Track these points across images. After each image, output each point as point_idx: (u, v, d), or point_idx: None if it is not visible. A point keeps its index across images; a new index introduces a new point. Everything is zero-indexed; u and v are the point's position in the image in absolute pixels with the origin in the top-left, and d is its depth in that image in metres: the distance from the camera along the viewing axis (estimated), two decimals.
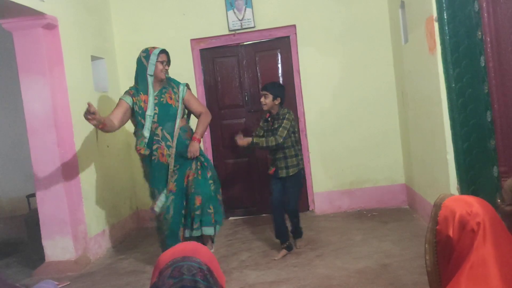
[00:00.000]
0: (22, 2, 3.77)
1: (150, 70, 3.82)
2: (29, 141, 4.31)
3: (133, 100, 3.83)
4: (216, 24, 5.44)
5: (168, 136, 3.83)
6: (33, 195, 4.76)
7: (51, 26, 4.26)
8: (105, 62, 5.29)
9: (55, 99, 4.29)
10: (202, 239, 3.93)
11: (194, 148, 3.89)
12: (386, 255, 3.72)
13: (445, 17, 3.50)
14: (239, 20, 5.39)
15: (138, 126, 3.84)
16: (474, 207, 1.42)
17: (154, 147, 3.81)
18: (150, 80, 3.84)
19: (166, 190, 3.84)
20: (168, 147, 3.82)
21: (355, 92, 5.31)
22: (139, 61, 3.89)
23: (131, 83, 5.57)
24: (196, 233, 3.87)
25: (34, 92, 4.25)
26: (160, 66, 3.83)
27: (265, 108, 4.03)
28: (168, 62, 3.93)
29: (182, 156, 3.87)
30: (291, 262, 3.84)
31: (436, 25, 3.59)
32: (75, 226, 4.35)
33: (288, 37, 5.44)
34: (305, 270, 3.62)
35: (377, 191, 5.34)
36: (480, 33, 3.43)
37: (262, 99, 4.02)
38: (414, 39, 4.30)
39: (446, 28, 3.51)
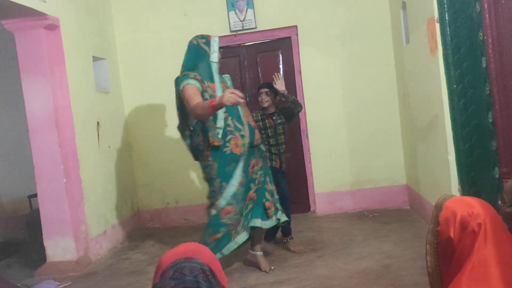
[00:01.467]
0: (24, 3, 3.78)
1: (214, 57, 3.62)
2: (30, 141, 4.32)
3: (202, 86, 3.52)
4: (217, 24, 5.44)
5: (240, 126, 3.60)
6: (35, 195, 4.76)
7: (52, 27, 4.26)
8: (106, 63, 5.30)
9: (56, 100, 4.30)
10: (256, 233, 3.77)
11: (259, 135, 3.75)
12: (387, 256, 3.72)
13: (447, 18, 3.50)
14: (241, 20, 5.40)
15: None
16: (475, 208, 1.42)
17: (228, 138, 3.51)
18: (214, 67, 3.61)
19: (237, 183, 3.55)
20: (242, 136, 3.57)
21: (356, 92, 5.31)
22: (197, 47, 3.65)
23: (133, 83, 5.63)
24: (278, 218, 3.70)
25: (36, 93, 4.25)
26: (219, 55, 3.69)
27: (265, 105, 4.13)
28: None
29: (251, 145, 3.66)
30: (292, 263, 3.84)
31: (437, 26, 3.59)
32: (76, 227, 4.35)
33: (289, 37, 5.45)
34: (306, 271, 3.62)
35: (378, 191, 5.33)
36: (481, 34, 3.42)
37: (265, 96, 4.10)
38: (415, 40, 4.30)
39: (448, 29, 3.51)
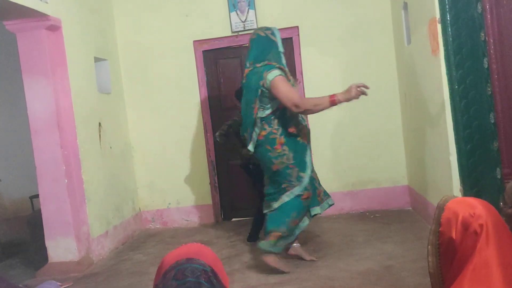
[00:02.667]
0: (25, 4, 3.79)
1: (281, 47, 3.67)
2: (32, 142, 4.32)
3: (287, 76, 3.59)
4: (219, 25, 5.45)
5: (304, 116, 3.75)
6: (36, 196, 4.77)
7: (54, 28, 4.27)
8: (108, 64, 5.31)
9: (58, 100, 4.31)
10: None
11: None
12: (389, 257, 3.72)
13: (448, 18, 3.50)
14: (242, 21, 5.40)
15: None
16: (477, 209, 1.42)
17: (300, 127, 3.66)
18: (283, 57, 3.68)
19: (310, 171, 3.68)
20: (306, 126, 3.74)
21: None
22: (267, 39, 3.67)
23: (134, 84, 5.64)
24: (325, 206, 3.86)
25: (37, 93, 4.26)
26: None
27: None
28: None
29: None
30: (294, 264, 3.83)
31: (439, 26, 3.59)
32: (78, 227, 4.36)
33: (291, 38, 5.44)
34: (307, 272, 3.61)
35: (379, 192, 5.33)
36: (483, 34, 3.42)
37: None
38: (417, 40, 4.30)
39: (449, 30, 3.51)
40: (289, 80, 3.59)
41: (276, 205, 3.64)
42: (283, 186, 3.63)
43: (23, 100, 4.37)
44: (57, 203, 4.29)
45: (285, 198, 3.62)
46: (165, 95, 5.57)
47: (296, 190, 3.60)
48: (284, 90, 3.47)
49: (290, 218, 3.61)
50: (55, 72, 4.31)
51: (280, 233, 3.58)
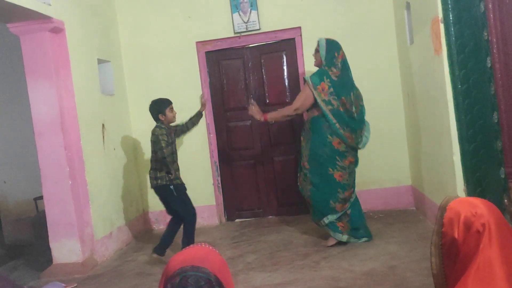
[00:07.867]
0: (29, 6, 3.80)
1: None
2: (36, 144, 4.34)
3: None
4: (221, 26, 5.46)
5: None
6: (41, 197, 4.79)
7: (57, 30, 4.29)
8: (111, 65, 5.32)
9: (61, 102, 4.32)
10: None
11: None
12: (393, 257, 3.71)
13: (451, 18, 3.50)
14: (244, 22, 5.40)
15: None
16: (479, 208, 1.42)
17: None
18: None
19: None
20: None
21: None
22: None
23: (137, 85, 5.66)
24: None
25: (41, 95, 4.28)
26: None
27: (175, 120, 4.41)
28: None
29: None
30: (298, 264, 3.84)
31: (441, 26, 3.58)
32: (82, 229, 4.37)
33: (293, 39, 5.45)
34: (312, 272, 3.61)
35: (383, 192, 5.32)
36: (486, 34, 3.42)
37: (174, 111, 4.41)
38: (419, 40, 4.29)
39: (452, 29, 3.50)
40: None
41: None
42: None
43: (26, 102, 4.39)
44: (61, 204, 4.30)
45: None
46: (168, 96, 5.52)
47: None
48: None
49: None
50: (59, 74, 4.33)
51: None
